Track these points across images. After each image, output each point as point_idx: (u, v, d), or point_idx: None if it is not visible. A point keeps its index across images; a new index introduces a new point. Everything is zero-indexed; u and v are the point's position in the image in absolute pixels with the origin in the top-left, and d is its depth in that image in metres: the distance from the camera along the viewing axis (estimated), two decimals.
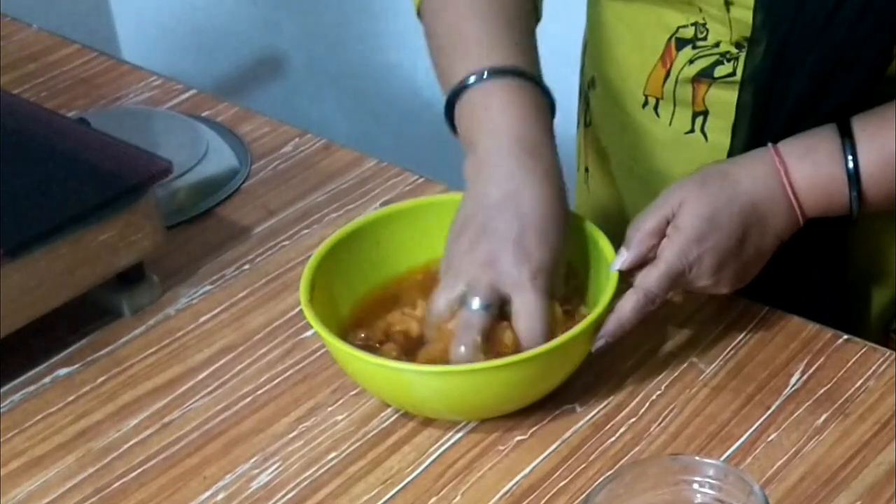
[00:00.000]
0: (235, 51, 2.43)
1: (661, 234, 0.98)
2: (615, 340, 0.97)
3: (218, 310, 1.11)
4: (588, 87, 1.22)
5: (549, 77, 1.05)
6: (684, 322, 1.05)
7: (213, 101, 1.38)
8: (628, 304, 0.96)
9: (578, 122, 1.27)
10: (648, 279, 0.97)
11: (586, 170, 1.26)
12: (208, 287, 1.13)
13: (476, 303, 0.95)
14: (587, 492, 0.90)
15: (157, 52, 2.44)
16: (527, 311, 0.95)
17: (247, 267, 1.15)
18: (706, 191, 0.98)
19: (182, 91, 1.39)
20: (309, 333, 1.06)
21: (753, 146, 1.04)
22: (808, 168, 0.99)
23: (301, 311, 0.99)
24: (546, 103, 1.02)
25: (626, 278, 0.98)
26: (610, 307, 0.97)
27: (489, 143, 0.98)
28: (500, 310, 0.95)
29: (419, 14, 1.10)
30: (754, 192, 0.98)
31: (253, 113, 1.36)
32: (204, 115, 1.35)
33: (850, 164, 0.99)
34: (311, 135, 1.32)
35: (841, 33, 1.01)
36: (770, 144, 1.01)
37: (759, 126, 1.06)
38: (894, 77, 1.04)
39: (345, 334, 1.00)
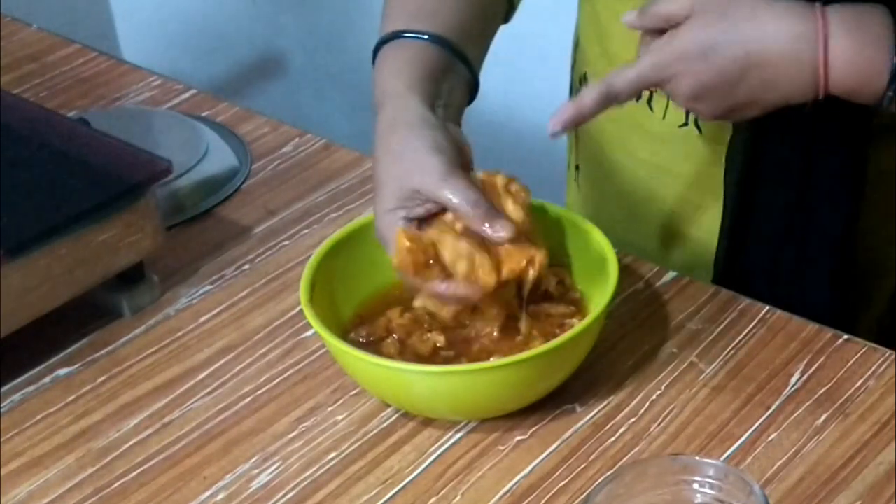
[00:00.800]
0: (235, 51, 2.44)
1: (668, 23, 0.95)
2: (567, 127, 0.95)
3: (218, 310, 1.11)
4: (579, 84, 1.22)
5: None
6: (684, 322, 1.05)
7: (213, 100, 1.38)
8: (589, 95, 0.95)
9: None
10: (619, 77, 0.95)
11: (577, 167, 1.26)
12: (208, 287, 1.13)
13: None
14: (587, 492, 0.90)
15: (157, 52, 2.44)
16: (458, 197, 0.93)
17: (247, 267, 1.15)
18: (722, 20, 0.93)
19: (182, 91, 1.39)
20: (309, 333, 1.06)
21: (753, 140, 1.03)
22: (851, 45, 0.92)
23: (301, 311, 0.99)
24: (429, 54, 1.01)
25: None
26: (608, 307, 0.97)
27: (376, 100, 1.00)
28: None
29: None
30: (775, 48, 0.93)
31: (253, 113, 1.36)
32: (204, 114, 1.35)
33: None
34: (311, 135, 1.32)
35: None
36: (818, 6, 0.93)
37: (759, 118, 1.05)
38: None
39: (345, 334, 1.00)
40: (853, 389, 0.98)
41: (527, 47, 1.81)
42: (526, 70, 1.94)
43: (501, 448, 0.96)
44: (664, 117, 1.12)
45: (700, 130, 1.10)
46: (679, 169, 1.12)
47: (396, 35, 1.02)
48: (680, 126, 1.11)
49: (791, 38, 0.92)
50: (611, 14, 1.14)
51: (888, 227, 1.11)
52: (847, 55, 0.92)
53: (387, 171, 0.96)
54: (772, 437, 0.95)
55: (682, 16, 0.94)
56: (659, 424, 0.97)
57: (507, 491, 0.92)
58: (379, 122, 0.98)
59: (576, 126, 0.96)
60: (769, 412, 0.97)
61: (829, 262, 1.11)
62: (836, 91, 0.94)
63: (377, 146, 0.97)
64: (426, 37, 1.01)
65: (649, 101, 1.12)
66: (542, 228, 1.03)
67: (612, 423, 0.97)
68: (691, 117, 1.10)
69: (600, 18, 1.16)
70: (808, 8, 0.93)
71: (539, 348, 0.93)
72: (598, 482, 0.88)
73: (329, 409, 1.00)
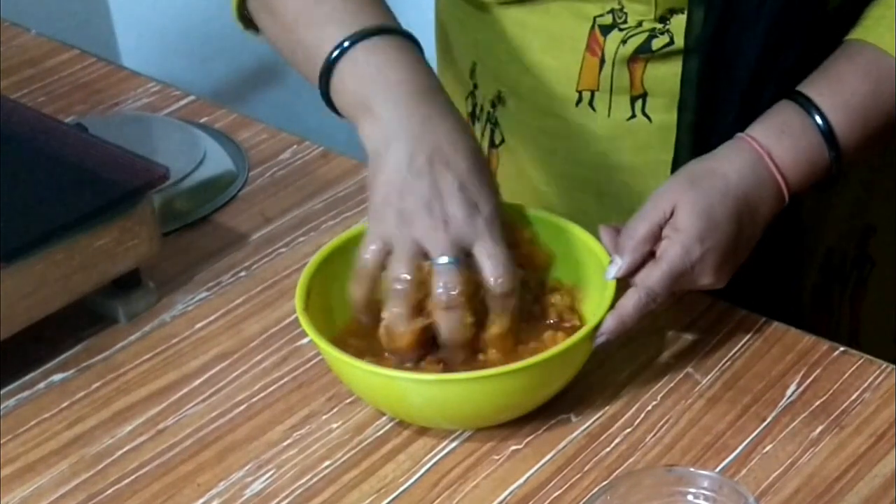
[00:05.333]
0: (234, 57, 2.43)
1: (655, 240, 0.98)
2: (615, 338, 0.96)
3: (213, 316, 1.10)
4: (493, 106, 1.18)
5: None
6: (680, 333, 1.05)
7: (211, 107, 1.38)
8: (630, 303, 0.96)
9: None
10: (651, 278, 0.97)
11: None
12: (204, 294, 1.13)
13: (444, 259, 0.94)
14: (582, 502, 0.90)
15: (156, 58, 2.44)
16: (492, 257, 0.94)
17: (243, 274, 1.15)
18: (698, 190, 0.98)
19: (180, 97, 1.39)
20: (304, 341, 1.06)
21: (702, 119, 1.04)
22: (787, 144, 1.00)
23: (297, 318, 0.99)
24: (419, 50, 1.00)
25: (624, 286, 0.98)
26: (605, 318, 0.96)
27: (388, 104, 0.96)
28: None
29: (240, 7, 1.07)
30: (743, 183, 0.99)
31: (251, 119, 1.36)
32: (202, 121, 1.35)
33: (824, 127, 1.01)
34: (309, 142, 1.32)
35: None
36: (741, 134, 1.01)
37: (706, 96, 1.06)
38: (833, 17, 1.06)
39: (340, 342, 0.99)
40: (849, 402, 0.98)
41: None
42: None
43: (496, 457, 0.95)
44: (609, 114, 1.11)
45: (650, 119, 1.10)
46: (630, 163, 1.12)
47: (366, 33, 0.98)
48: (628, 119, 1.11)
49: (749, 170, 1.00)
50: (521, 28, 1.11)
51: (821, 203, 1.13)
52: (790, 154, 1.01)
53: (482, 180, 0.94)
54: (767, 448, 0.95)
55: (663, 216, 0.98)
56: (654, 435, 0.96)
57: (502, 500, 0.92)
58: (445, 134, 0.95)
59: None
60: (765, 424, 0.97)
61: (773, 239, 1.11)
62: (797, 186, 1.01)
63: (467, 157, 0.95)
64: (401, 34, 0.99)
65: (591, 101, 1.11)
66: (541, 239, 1.04)
67: (607, 433, 0.97)
68: (637, 108, 1.10)
69: (511, 35, 1.13)
70: (739, 140, 1.01)
71: (534, 358, 0.93)
72: (592, 493, 0.88)
73: (324, 417, 1.00)
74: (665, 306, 0.99)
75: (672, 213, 0.97)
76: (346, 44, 0.98)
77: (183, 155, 1.26)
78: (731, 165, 0.99)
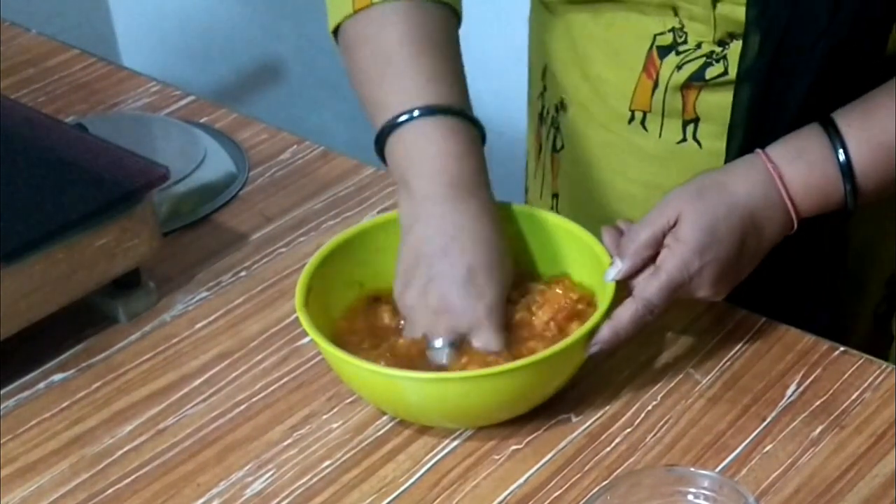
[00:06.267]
0: (234, 57, 2.44)
1: (657, 246, 0.98)
2: (609, 348, 0.96)
3: (214, 316, 1.11)
4: (556, 111, 1.20)
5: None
6: (680, 332, 1.05)
7: (211, 107, 1.38)
8: (626, 314, 0.96)
9: (542, 149, 1.24)
10: (648, 290, 0.97)
11: (554, 195, 1.24)
12: (204, 293, 1.13)
13: (439, 342, 0.97)
14: (582, 502, 0.90)
15: (157, 58, 2.44)
16: (487, 348, 0.96)
17: (243, 274, 1.15)
18: (704, 202, 0.98)
19: (180, 97, 1.39)
20: (305, 341, 1.06)
21: (750, 147, 1.04)
22: (802, 169, 0.99)
23: (297, 318, 0.99)
24: (478, 137, 1.01)
25: (623, 287, 0.98)
26: (607, 315, 0.96)
27: (424, 187, 0.98)
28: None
29: (336, 34, 1.07)
30: (751, 202, 0.98)
31: (251, 119, 1.36)
32: (202, 121, 1.35)
33: (843, 159, 0.99)
34: (309, 142, 1.32)
35: (844, 31, 1.01)
36: (759, 150, 1.01)
37: (756, 125, 1.05)
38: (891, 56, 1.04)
39: (340, 340, 0.99)
40: (849, 401, 0.98)
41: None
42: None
43: (497, 457, 0.95)
44: (660, 136, 1.11)
45: (700, 145, 1.10)
46: (678, 185, 1.12)
47: (427, 110, 0.99)
48: (678, 143, 1.11)
49: (759, 189, 0.99)
50: (587, 38, 1.12)
51: (876, 232, 1.12)
52: (802, 180, 0.99)
53: (492, 271, 0.96)
54: (767, 448, 0.95)
55: (667, 223, 0.98)
56: (654, 435, 0.96)
57: (502, 500, 0.92)
58: (467, 226, 0.97)
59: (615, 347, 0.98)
60: (765, 424, 0.97)
61: (821, 272, 1.11)
62: (808, 212, 1.00)
63: (480, 246, 0.97)
64: (463, 115, 0.99)
65: (643, 121, 1.12)
66: (544, 240, 1.04)
67: (607, 433, 0.97)
68: (689, 132, 1.10)
69: (577, 44, 1.14)
70: (754, 157, 1.00)
71: (533, 357, 0.93)
72: (592, 492, 0.88)
73: (324, 416, 1.00)
74: (662, 316, 0.99)
75: (676, 222, 0.97)
76: (402, 117, 0.99)
77: (183, 155, 1.26)
78: (741, 181, 0.99)
